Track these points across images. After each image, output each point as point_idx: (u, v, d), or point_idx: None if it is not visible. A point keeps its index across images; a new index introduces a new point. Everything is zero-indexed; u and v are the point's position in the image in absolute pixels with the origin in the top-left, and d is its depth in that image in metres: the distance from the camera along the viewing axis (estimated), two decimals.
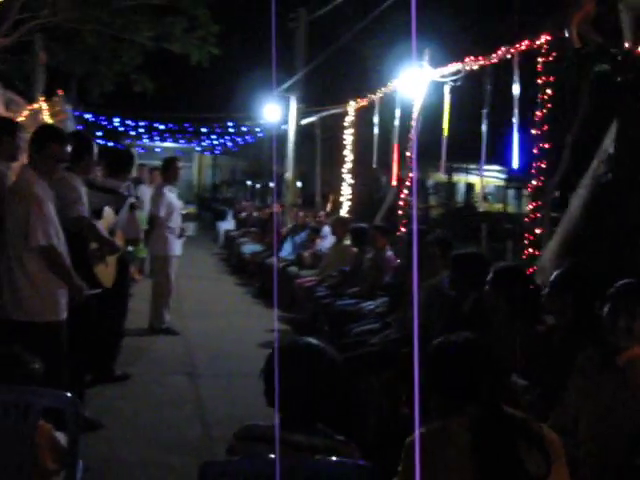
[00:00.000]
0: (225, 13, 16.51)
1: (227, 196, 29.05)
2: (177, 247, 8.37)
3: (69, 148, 4.37)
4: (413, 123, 10.19)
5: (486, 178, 32.00)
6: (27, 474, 2.59)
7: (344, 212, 13.40)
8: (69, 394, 2.67)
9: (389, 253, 7.37)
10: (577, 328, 3.12)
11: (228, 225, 19.37)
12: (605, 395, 2.70)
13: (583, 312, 3.08)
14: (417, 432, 1.49)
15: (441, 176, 30.46)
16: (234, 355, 7.28)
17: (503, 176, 28.20)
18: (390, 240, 7.49)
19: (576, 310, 3.15)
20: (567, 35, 5.61)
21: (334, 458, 1.98)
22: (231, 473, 1.99)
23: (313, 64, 15.22)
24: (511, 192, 30.23)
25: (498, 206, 28.13)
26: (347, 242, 8.87)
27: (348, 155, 13.79)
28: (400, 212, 10.60)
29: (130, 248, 6.50)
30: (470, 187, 32.21)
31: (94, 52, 15.53)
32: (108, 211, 5.21)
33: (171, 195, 8.22)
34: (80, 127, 19.05)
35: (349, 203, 13.60)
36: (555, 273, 3.35)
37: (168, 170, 8.21)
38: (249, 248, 13.66)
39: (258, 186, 25.59)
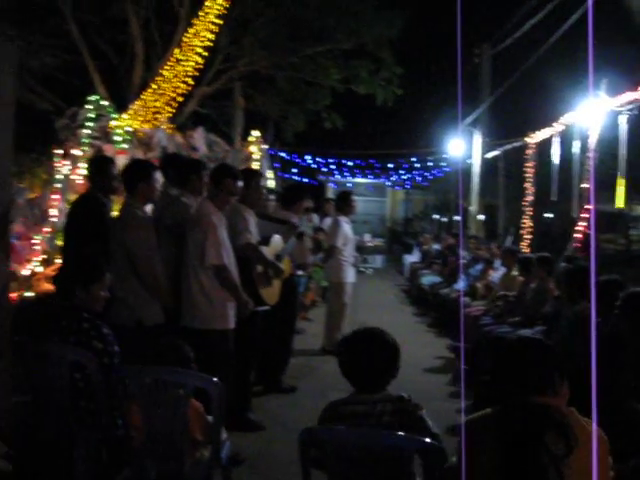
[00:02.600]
0: (410, 51, 17.20)
1: (416, 230, 29.47)
2: (351, 274, 8.88)
3: (241, 183, 5.09)
4: (590, 154, 10.07)
5: None
6: (180, 442, 3.20)
7: (525, 245, 13.38)
8: (215, 378, 3.24)
9: (551, 284, 7.40)
10: None
11: (414, 258, 19.75)
12: None
13: None
14: None
15: None
16: (398, 378, 7.60)
17: None
18: (552, 270, 7.52)
19: None
20: None
21: (404, 434, 2.38)
22: (322, 439, 2.53)
23: (494, 96, 15.40)
24: None
25: None
26: (516, 272, 8.95)
27: (529, 188, 13.77)
28: (577, 244, 10.47)
29: (300, 272, 7.17)
30: None
31: (287, 96, 16.82)
32: (277, 239, 5.87)
33: (347, 226, 8.79)
34: (277, 165, 20.58)
35: (529, 235, 13.55)
36: None
37: (341, 203, 8.81)
38: (428, 279, 13.96)
39: (445, 220, 25.83)
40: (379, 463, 2.39)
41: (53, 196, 8.66)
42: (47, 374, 3.48)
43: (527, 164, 13.83)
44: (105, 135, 9.77)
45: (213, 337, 4.82)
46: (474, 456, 2.23)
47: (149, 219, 4.71)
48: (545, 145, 12.90)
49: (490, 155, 17.10)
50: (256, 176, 5.72)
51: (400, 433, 2.40)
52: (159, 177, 4.82)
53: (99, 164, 5.35)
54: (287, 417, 5.97)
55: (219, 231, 4.83)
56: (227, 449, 3.54)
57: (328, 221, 11.49)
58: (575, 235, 10.54)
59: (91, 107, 9.72)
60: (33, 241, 8.29)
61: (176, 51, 11.95)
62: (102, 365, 3.43)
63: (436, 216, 29.20)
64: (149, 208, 5.10)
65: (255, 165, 13.38)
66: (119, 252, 4.53)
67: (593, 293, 2.37)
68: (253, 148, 13.82)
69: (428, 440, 2.39)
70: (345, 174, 26.76)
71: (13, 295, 6.73)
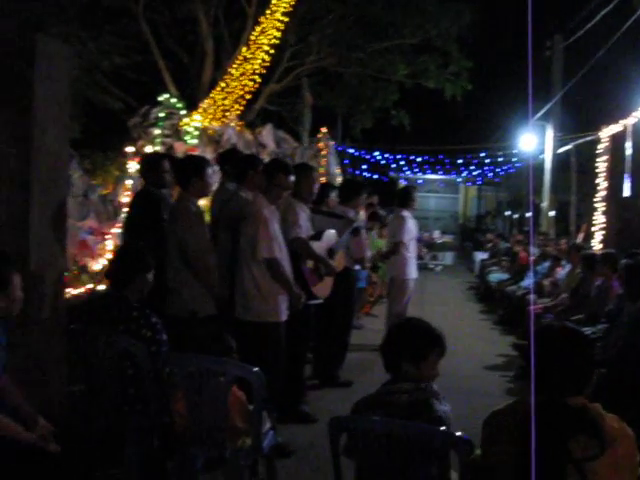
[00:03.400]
0: (480, 45, 16.96)
1: (488, 227, 29.08)
2: (414, 270, 8.75)
3: (292, 178, 5.16)
4: None
5: None
6: (221, 429, 3.31)
7: (597, 242, 13.00)
8: (256, 368, 3.32)
9: (615, 281, 7.20)
10: None
11: (484, 255, 19.50)
12: None
13: None
14: None
15: None
16: (458, 374, 7.47)
17: None
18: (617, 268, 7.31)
19: None
20: None
21: (440, 428, 2.41)
22: (351, 428, 2.68)
23: (566, 88, 15.05)
24: None
25: None
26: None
27: (601, 183, 13.37)
28: None
29: (357, 267, 7.21)
30: None
31: (355, 92, 16.86)
32: (330, 233, 5.90)
33: (411, 221, 8.65)
34: (346, 161, 20.65)
35: (602, 232, 13.17)
36: None
37: (404, 198, 8.69)
38: (496, 277, 13.80)
39: (516, 216, 25.36)
40: (403, 453, 2.42)
41: (125, 192, 8.96)
42: (98, 362, 3.64)
43: (600, 158, 13.44)
44: (176, 133, 10.03)
45: (265, 330, 4.90)
46: (496, 449, 2.23)
47: (202, 213, 4.85)
48: (620, 138, 12.50)
49: (562, 150, 16.70)
50: (308, 170, 5.78)
51: (424, 425, 2.42)
52: (213, 172, 4.94)
53: (150, 160, 5.53)
54: (340, 411, 5.96)
55: (271, 225, 4.91)
56: (270, 438, 3.62)
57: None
58: None
59: (162, 105, 10.01)
60: (105, 236, 8.58)
61: (244, 49, 12.16)
62: (150, 353, 3.56)
63: (508, 213, 28.71)
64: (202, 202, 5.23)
65: (323, 161, 13.48)
66: (173, 245, 4.68)
67: None
68: (321, 144, 13.90)
69: (459, 433, 2.40)
70: (415, 170, 26.62)
71: (85, 288, 7.03)
